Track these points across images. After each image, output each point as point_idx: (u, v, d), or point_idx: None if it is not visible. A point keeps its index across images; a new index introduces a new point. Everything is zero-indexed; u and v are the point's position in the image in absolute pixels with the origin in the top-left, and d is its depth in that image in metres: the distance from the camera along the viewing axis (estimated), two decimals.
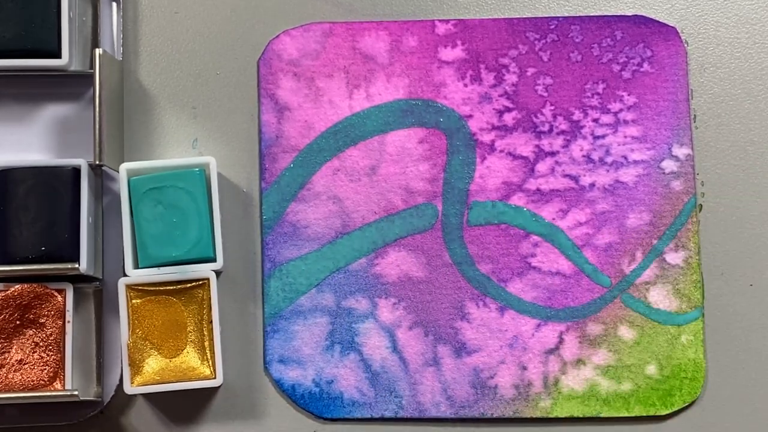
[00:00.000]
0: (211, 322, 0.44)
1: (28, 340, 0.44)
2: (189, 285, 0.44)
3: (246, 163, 0.47)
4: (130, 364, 0.43)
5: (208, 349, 0.44)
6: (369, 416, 0.45)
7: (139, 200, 0.44)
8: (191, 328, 0.44)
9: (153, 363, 0.44)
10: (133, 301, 0.44)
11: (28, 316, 0.44)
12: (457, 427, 0.45)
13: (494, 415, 0.45)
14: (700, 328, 0.46)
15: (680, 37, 0.47)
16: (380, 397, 0.45)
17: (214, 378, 0.43)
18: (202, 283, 0.44)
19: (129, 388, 0.43)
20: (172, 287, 0.44)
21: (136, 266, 0.44)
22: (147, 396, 0.45)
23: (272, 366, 0.45)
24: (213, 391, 0.45)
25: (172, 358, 0.44)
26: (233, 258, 0.46)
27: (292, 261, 0.46)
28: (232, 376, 0.45)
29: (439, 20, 0.48)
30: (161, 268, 0.44)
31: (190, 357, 0.44)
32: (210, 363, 0.44)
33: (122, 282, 0.43)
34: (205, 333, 0.44)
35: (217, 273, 0.44)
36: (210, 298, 0.44)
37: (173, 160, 0.45)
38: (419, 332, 0.46)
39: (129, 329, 0.43)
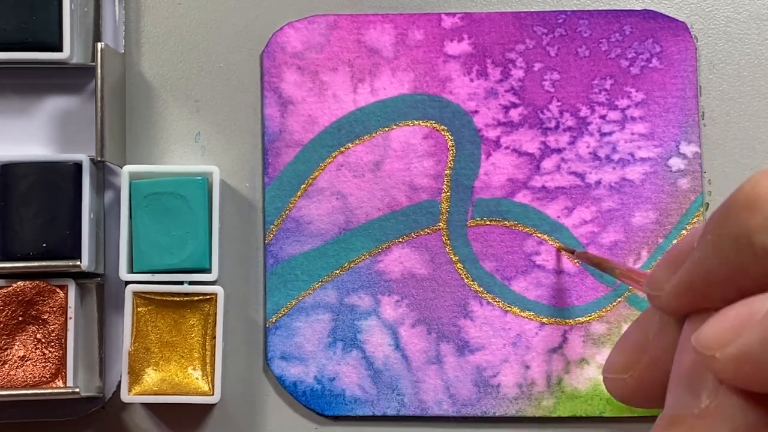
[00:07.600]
0: (215, 338, 0.43)
1: (30, 336, 0.44)
2: (196, 298, 0.44)
3: (249, 157, 0.46)
4: (129, 372, 0.43)
5: (209, 364, 0.43)
6: (371, 414, 0.45)
7: (138, 204, 0.43)
8: (194, 341, 0.44)
9: (152, 373, 0.43)
10: (139, 309, 0.43)
11: (31, 312, 0.43)
12: (459, 426, 0.45)
13: (497, 414, 0.45)
14: None
15: (690, 33, 0.46)
16: (382, 394, 0.45)
17: (212, 395, 0.43)
18: (210, 298, 0.44)
19: (126, 397, 0.43)
20: (179, 298, 0.44)
21: (131, 270, 0.44)
22: None
23: (274, 363, 0.45)
24: None
25: (171, 370, 0.43)
26: (235, 256, 0.46)
27: (295, 257, 0.46)
28: (233, 372, 0.45)
29: (446, 13, 0.47)
30: (167, 278, 0.43)
31: (189, 371, 0.44)
32: (209, 379, 0.43)
33: (130, 289, 0.43)
34: (208, 348, 0.43)
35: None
36: (216, 313, 0.43)
37: (177, 166, 0.45)
38: (422, 330, 0.45)
39: (132, 337, 0.43)
